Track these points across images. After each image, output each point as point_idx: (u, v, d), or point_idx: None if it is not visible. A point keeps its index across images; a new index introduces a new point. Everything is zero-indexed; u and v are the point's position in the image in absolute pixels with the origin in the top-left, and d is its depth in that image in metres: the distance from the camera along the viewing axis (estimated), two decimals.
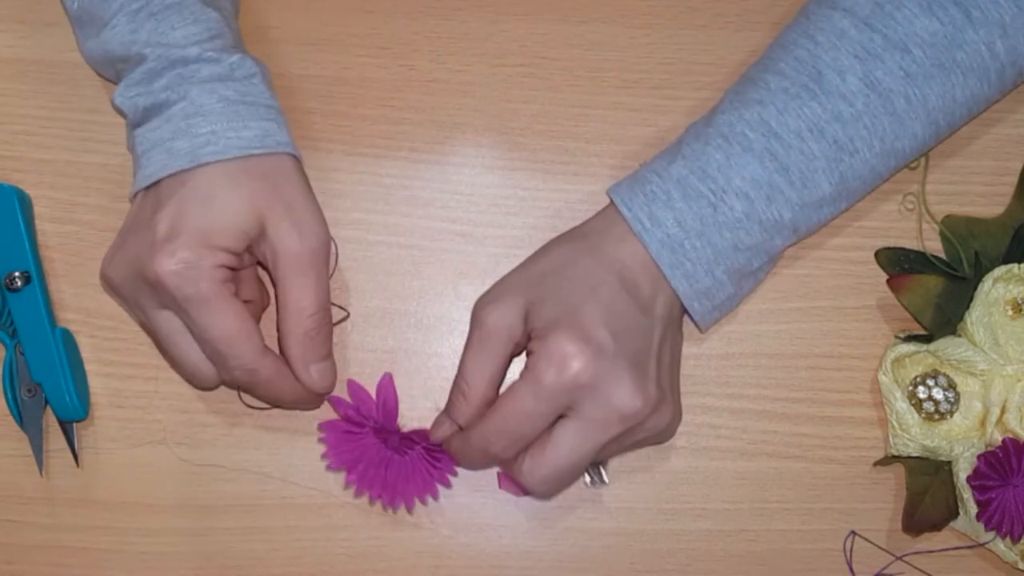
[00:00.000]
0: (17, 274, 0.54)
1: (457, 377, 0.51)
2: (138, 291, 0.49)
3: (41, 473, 0.55)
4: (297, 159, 0.52)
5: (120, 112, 0.52)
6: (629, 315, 0.50)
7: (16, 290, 0.54)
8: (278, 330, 0.51)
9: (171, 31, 0.51)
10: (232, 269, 0.50)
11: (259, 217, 0.49)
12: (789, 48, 0.53)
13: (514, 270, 0.53)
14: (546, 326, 0.49)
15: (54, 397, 0.53)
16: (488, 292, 0.52)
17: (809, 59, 0.51)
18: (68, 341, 0.55)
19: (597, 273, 0.50)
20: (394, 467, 0.54)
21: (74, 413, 0.54)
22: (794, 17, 0.54)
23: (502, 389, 0.51)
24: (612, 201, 0.52)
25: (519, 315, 0.50)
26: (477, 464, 0.53)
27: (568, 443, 0.49)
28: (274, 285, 0.51)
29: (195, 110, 0.50)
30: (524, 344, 0.51)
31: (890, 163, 0.53)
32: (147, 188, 0.51)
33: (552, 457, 0.49)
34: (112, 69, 0.54)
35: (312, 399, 0.53)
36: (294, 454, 0.55)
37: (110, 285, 0.51)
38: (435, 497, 0.55)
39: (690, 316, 0.53)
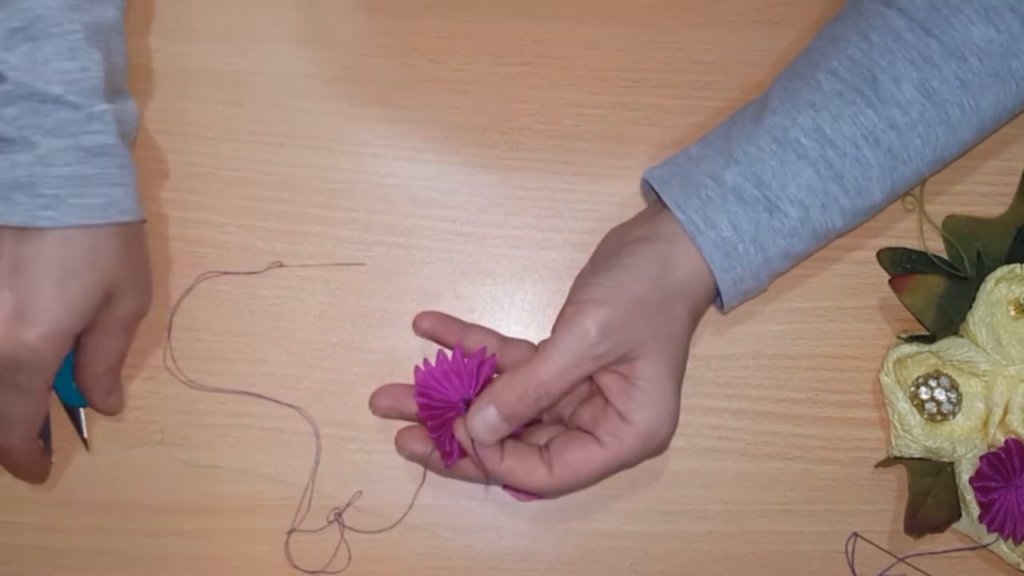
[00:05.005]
0: None
1: (535, 379, 0.48)
2: None
3: None
4: (142, 222, 0.52)
5: None
6: (687, 353, 0.51)
7: None
8: (80, 367, 0.52)
9: (44, 63, 0.48)
10: None
11: (108, 292, 0.49)
12: (841, 45, 0.51)
13: (605, 275, 0.50)
14: (642, 389, 0.49)
15: (58, 381, 0.52)
16: (591, 293, 0.49)
17: (864, 60, 0.50)
18: None
19: (677, 307, 0.50)
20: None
21: (79, 397, 0.53)
22: (843, 10, 0.53)
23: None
24: (664, 201, 0.51)
25: (614, 340, 0.48)
26: (491, 473, 0.51)
27: (597, 469, 0.49)
28: (87, 333, 0.50)
29: (41, 167, 0.47)
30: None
31: (935, 168, 0.53)
32: None
33: (574, 476, 0.49)
34: None
35: (40, 478, 0.54)
36: (293, 455, 0.55)
37: None
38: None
39: (717, 305, 0.54)
